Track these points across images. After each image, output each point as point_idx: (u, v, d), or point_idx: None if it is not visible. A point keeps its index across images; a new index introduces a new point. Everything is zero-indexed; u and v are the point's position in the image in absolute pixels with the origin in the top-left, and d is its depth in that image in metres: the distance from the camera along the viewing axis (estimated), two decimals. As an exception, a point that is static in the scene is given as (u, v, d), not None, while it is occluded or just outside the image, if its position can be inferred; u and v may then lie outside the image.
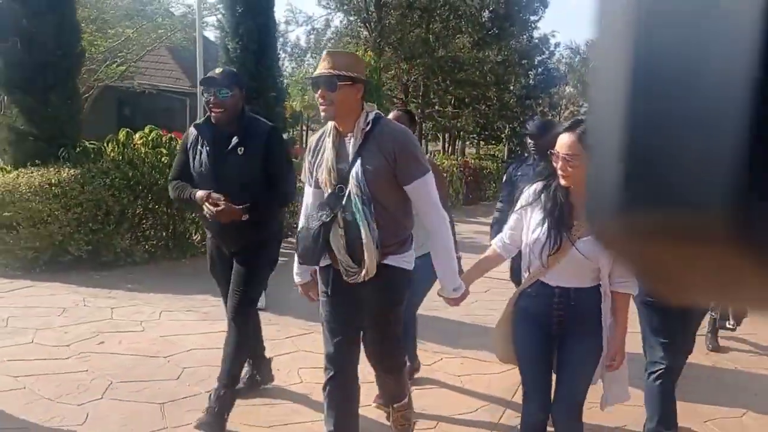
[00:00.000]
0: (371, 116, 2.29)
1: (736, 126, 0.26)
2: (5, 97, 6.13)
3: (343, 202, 2.23)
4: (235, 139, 2.82)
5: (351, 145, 2.27)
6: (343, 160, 2.28)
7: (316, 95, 2.26)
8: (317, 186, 2.40)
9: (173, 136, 7.28)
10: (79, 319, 4.35)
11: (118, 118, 15.42)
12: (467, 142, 28.32)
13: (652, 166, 0.29)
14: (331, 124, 2.34)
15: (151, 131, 6.99)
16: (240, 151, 2.82)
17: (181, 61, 15.97)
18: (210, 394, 2.85)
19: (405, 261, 2.34)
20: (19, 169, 5.88)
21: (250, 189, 2.81)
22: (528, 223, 2.20)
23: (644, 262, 0.33)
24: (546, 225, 2.12)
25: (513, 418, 3.04)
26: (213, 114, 2.82)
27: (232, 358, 2.88)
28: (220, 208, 2.76)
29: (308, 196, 2.48)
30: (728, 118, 0.26)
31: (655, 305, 2.62)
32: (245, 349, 2.99)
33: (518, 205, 2.25)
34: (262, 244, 2.96)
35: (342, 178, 2.26)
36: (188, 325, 4.32)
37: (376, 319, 2.40)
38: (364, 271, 2.23)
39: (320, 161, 2.34)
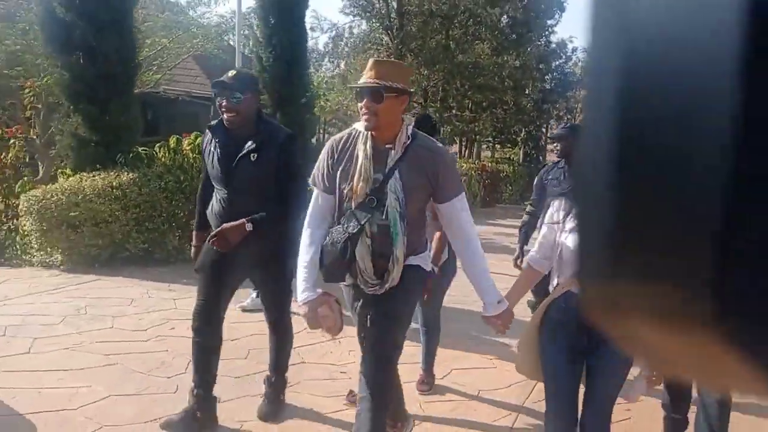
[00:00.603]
0: (410, 130, 2.28)
1: (717, 208, 0.25)
2: (69, 106, 6.66)
3: (377, 214, 2.20)
4: (249, 145, 2.76)
5: (390, 157, 2.22)
6: (378, 171, 2.22)
7: (360, 105, 2.20)
8: (333, 191, 2.31)
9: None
10: (149, 308, 4.86)
11: (144, 122, 16.06)
12: (483, 146, 28.72)
13: (640, 237, 0.29)
14: (364, 131, 2.27)
15: (196, 137, 7.52)
16: (253, 157, 2.76)
17: (206, 68, 16.61)
18: (264, 381, 3.20)
19: (422, 260, 2.37)
20: (81, 173, 6.43)
21: (261, 195, 2.77)
22: (560, 234, 2.18)
23: (628, 336, 0.33)
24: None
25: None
26: (225, 118, 2.78)
27: (278, 351, 3.19)
28: (215, 239, 2.77)
29: (318, 200, 2.36)
30: (710, 200, 0.25)
31: None
32: (290, 342, 3.24)
33: (547, 220, 2.25)
34: (282, 255, 2.92)
35: (375, 189, 2.21)
36: (244, 314, 4.81)
37: (386, 317, 2.31)
38: (387, 284, 2.26)
39: (349, 168, 2.25)
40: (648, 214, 0.29)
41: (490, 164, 19.57)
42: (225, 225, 2.78)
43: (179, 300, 5.15)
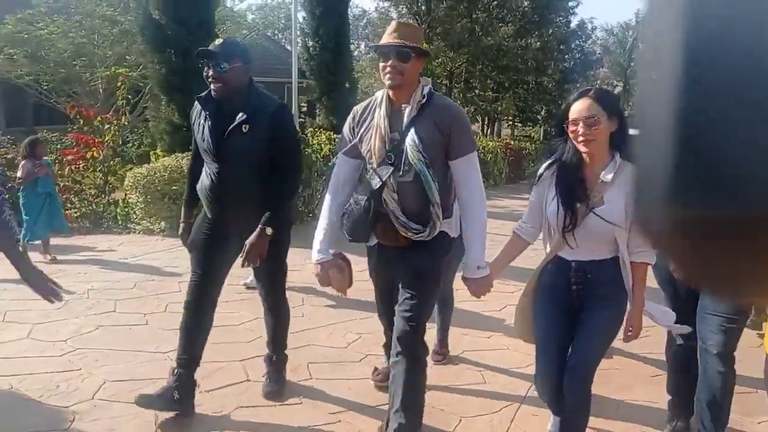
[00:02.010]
0: (426, 90, 2.32)
1: None
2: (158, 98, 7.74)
3: (397, 172, 2.26)
4: (240, 116, 2.64)
5: (405, 115, 2.28)
6: (395, 130, 2.29)
7: (386, 64, 2.25)
8: (356, 156, 2.38)
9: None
10: (253, 263, 5.95)
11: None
12: (504, 124, 29.47)
13: (705, 157, 0.27)
14: (381, 94, 2.35)
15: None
16: (245, 129, 2.64)
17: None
18: (264, 360, 3.14)
19: (447, 226, 2.40)
20: (176, 153, 7.52)
21: (254, 169, 2.68)
22: (545, 200, 2.21)
23: (693, 257, 0.31)
24: (560, 200, 2.12)
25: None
26: (212, 88, 2.67)
27: (276, 331, 3.11)
28: (247, 257, 2.69)
29: (341, 166, 2.43)
30: None
31: (678, 283, 2.53)
32: (287, 318, 3.16)
33: (535, 187, 2.27)
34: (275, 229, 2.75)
35: (394, 148, 2.27)
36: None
37: (415, 283, 2.37)
38: (436, 230, 2.30)
39: (369, 130, 2.33)
40: (720, 127, 0.27)
41: (513, 142, 20.42)
42: (248, 241, 2.68)
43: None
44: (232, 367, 3.41)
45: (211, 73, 2.62)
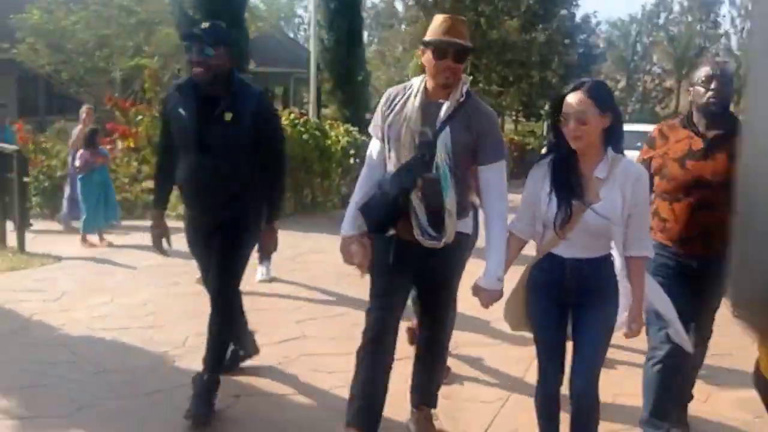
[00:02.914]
0: (465, 88, 2.27)
1: None
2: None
3: (427, 169, 2.22)
4: (223, 103, 2.59)
5: (442, 111, 2.22)
6: (428, 124, 2.22)
7: (442, 63, 2.17)
8: (385, 140, 2.35)
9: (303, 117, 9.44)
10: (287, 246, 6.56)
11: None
12: (508, 119, 29.98)
13: None
14: (419, 84, 2.29)
15: (290, 113, 9.14)
16: (227, 117, 2.59)
17: (255, 53, 18.23)
18: (194, 378, 2.78)
19: (466, 225, 2.40)
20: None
21: (237, 157, 2.64)
22: (538, 196, 2.16)
23: None
24: (555, 196, 2.09)
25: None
26: (194, 72, 2.59)
27: (217, 342, 2.80)
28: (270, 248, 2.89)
29: (374, 147, 2.41)
30: None
31: (671, 278, 2.43)
32: (229, 333, 2.90)
33: (527, 188, 2.23)
34: (245, 218, 2.75)
35: (427, 145, 2.21)
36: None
37: (438, 284, 2.39)
38: (444, 238, 2.24)
39: (399, 118, 2.27)
40: None
41: (517, 137, 21.04)
42: (260, 244, 2.86)
43: (316, 236, 6.83)
44: (289, 328, 4.03)
45: (195, 57, 2.57)
